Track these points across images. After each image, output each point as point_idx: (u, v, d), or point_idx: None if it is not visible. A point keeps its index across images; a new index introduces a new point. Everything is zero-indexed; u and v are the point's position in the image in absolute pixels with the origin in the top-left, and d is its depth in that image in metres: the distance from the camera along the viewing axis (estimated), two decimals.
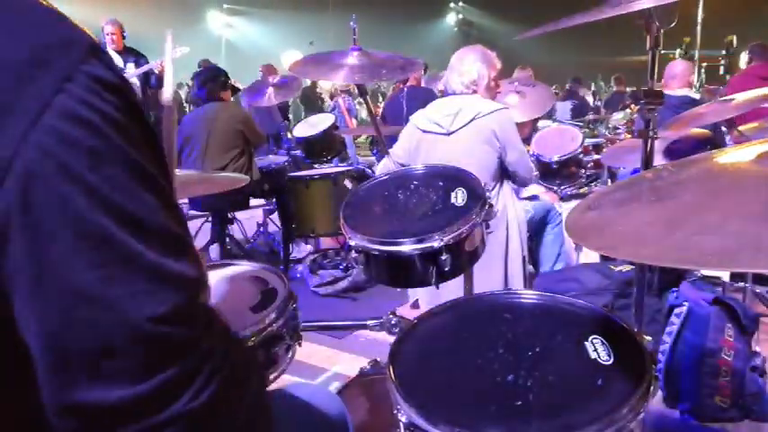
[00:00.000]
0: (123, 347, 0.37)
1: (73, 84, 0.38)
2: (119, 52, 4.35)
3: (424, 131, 2.02)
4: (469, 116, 1.92)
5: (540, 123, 3.97)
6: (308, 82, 8.10)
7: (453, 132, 1.95)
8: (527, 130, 2.80)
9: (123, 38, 4.41)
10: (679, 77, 3.07)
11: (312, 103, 8.37)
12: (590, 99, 8.63)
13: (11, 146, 0.36)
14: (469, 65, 2.00)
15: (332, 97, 7.93)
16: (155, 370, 0.38)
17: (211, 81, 3.09)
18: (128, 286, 0.38)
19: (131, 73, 4.30)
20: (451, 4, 19.70)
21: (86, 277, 0.37)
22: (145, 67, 4.38)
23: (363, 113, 7.84)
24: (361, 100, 2.52)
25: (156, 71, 4.35)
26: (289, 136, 4.26)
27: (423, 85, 4.37)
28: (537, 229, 2.53)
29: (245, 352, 0.49)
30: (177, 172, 1.64)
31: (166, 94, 0.61)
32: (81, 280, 0.37)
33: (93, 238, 0.37)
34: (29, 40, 0.39)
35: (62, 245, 0.37)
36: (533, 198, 2.68)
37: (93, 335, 0.37)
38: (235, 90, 3.46)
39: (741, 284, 2.15)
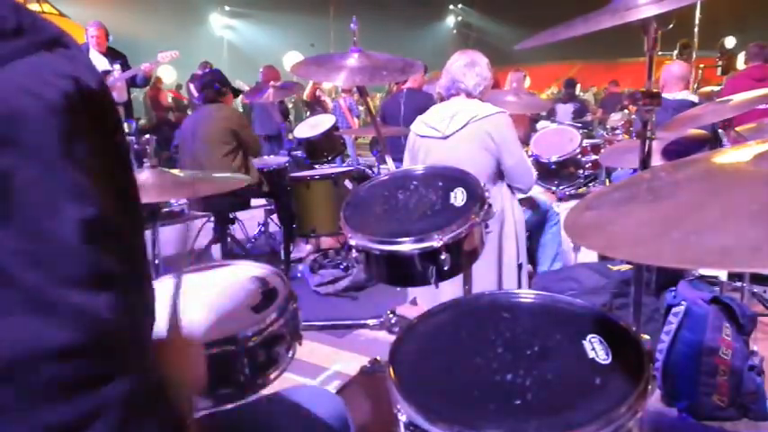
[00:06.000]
0: (14, 379, 0.35)
1: None
2: (104, 54, 4.40)
3: (422, 136, 2.04)
4: (465, 119, 1.93)
5: (540, 125, 3.99)
6: (310, 84, 8.10)
7: (449, 136, 1.96)
8: (523, 129, 2.82)
9: (107, 40, 4.45)
10: (677, 79, 3.08)
11: (309, 104, 8.37)
12: (591, 100, 8.66)
13: None
14: (480, 71, 2.01)
15: (329, 97, 7.93)
16: (43, 407, 0.35)
17: (208, 86, 3.13)
18: (21, 317, 0.35)
19: (118, 76, 4.35)
20: (451, 7, 19.73)
21: None
22: (132, 71, 4.42)
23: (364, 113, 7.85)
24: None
25: (142, 73, 4.41)
26: (290, 137, 4.28)
27: (424, 87, 4.38)
28: (535, 228, 2.54)
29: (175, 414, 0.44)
30: (178, 173, 1.65)
31: None
32: None
33: None
34: None
35: None
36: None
37: None
38: (237, 93, 3.48)
39: (738, 284, 2.16)
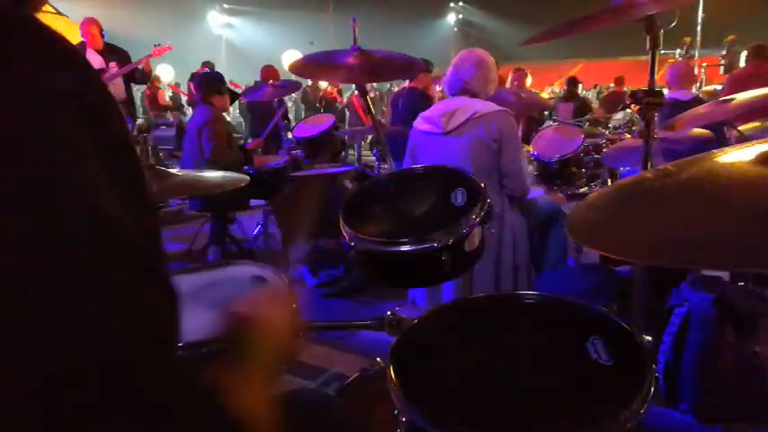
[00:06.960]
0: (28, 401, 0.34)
1: None
2: (99, 52, 4.35)
3: (421, 132, 2.03)
4: (466, 116, 1.92)
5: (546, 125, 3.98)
6: (308, 82, 8.10)
7: (449, 132, 1.95)
8: (521, 128, 2.82)
9: (102, 37, 4.42)
10: (681, 78, 3.08)
11: (311, 103, 8.38)
12: (592, 98, 8.65)
13: None
14: (486, 72, 2.02)
15: (339, 94, 7.92)
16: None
17: (204, 86, 3.15)
18: (34, 333, 0.33)
19: (114, 72, 4.33)
20: (451, 4, 19.72)
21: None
22: (129, 67, 4.40)
23: None
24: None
25: (140, 68, 4.39)
26: (288, 136, 4.27)
27: (430, 86, 4.34)
28: (542, 228, 2.52)
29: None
30: (177, 171, 1.64)
31: None
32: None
33: None
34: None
35: None
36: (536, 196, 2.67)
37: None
38: (234, 96, 3.46)
39: (742, 284, 2.15)
